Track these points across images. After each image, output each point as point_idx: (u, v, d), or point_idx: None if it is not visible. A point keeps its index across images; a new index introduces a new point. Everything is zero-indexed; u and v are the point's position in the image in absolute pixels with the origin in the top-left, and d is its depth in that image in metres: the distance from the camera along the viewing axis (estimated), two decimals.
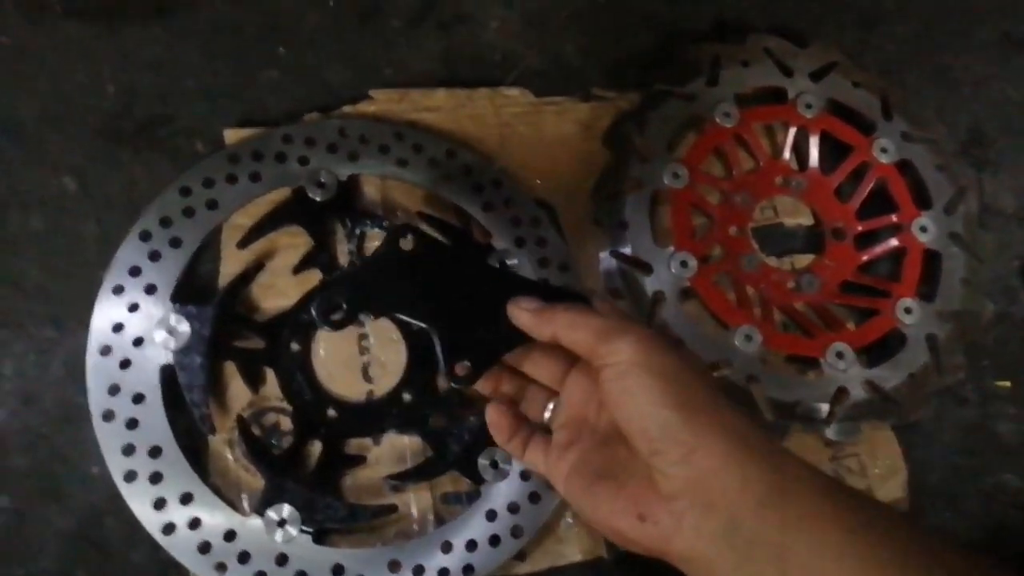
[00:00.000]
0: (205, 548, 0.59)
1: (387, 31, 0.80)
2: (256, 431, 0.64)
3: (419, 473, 0.65)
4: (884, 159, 0.79)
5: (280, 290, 0.68)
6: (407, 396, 0.67)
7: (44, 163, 0.70)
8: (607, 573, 0.66)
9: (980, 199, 0.81)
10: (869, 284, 0.77)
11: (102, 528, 0.62)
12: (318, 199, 0.68)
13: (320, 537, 0.61)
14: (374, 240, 0.71)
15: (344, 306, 0.54)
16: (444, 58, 0.80)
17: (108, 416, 0.60)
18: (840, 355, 0.72)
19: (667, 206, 0.75)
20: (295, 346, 0.67)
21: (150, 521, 0.59)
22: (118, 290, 0.64)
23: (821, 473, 0.46)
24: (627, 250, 0.73)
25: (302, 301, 0.68)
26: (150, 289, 0.64)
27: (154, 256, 0.65)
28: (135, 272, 0.64)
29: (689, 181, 0.75)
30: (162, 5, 0.76)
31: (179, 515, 0.59)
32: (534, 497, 0.64)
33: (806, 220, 0.80)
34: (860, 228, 0.78)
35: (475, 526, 0.63)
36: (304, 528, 0.60)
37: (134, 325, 0.63)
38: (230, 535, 0.59)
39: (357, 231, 0.70)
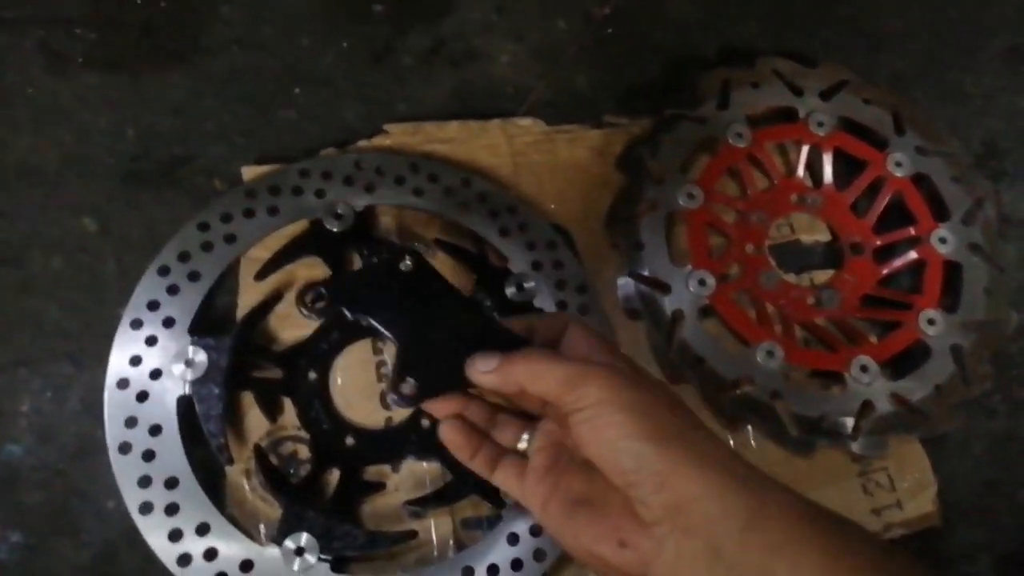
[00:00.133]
0: None
1: (400, 69, 0.82)
2: (274, 460, 0.64)
3: (439, 498, 0.63)
4: (899, 173, 0.79)
5: (297, 321, 0.68)
6: (425, 422, 0.66)
7: (65, 205, 0.71)
8: None
9: (998, 209, 0.80)
10: (890, 297, 0.76)
11: (117, 563, 0.61)
12: (335, 230, 0.69)
13: (339, 565, 0.60)
14: None
15: (325, 294, 0.54)
16: (456, 92, 0.82)
17: (125, 448, 0.60)
18: (864, 368, 0.70)
19: (683, 226, 0.75)
20: (312, 375, 0.67)
21: (166, 553, 0.58)
22: (136, 324, 0.64)
23: (803, 498, 0.46)
24: (644, 271, 0.72)
25: (319, 331, 0.68)
26: (168, 322, 0.64)
27: (172, 290, 0.65)
28: (153, 306, 0.64)
29: (704, 201, 0.75)
30: (180, 52, 0.78)
31: (195, 546, 0.58)
32: None
33: (823, 236, 0.79)
34: (878, 242, 0.78)
35: (497, 551, 0.61)
36: (322, 556, 0.59)
37: (152, 358, 0.63)
38: (247, 565, 0.58)
39: (374, 260, 0.70)
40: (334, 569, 0.59)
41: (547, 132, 0.79)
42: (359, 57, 0.82)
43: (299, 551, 0.59)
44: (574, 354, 0.51)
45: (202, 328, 0.65)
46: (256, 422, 0.65)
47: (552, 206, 0.76)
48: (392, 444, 0.66)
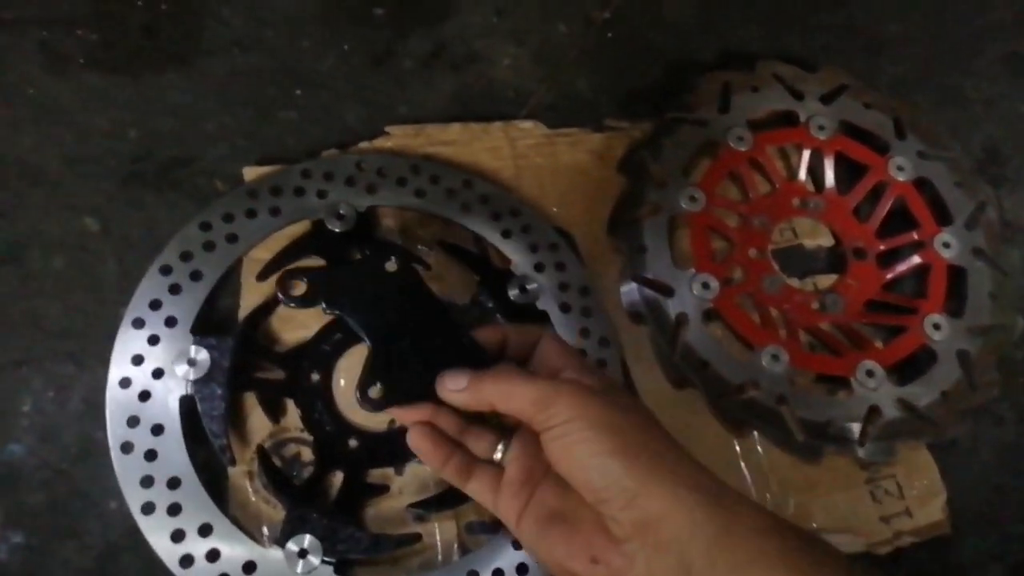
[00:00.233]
0: None
1: (400, 72, 0.82)
2: (277, 462, 0.63)
3: (443, 501, 0.63)
4: (901, 177, 0.79)
5: (300, 322, 0.68)
6: None
7: (66, 205, 0.71)
8: None
9: (1000, 214, 0.80)
10: (895, 302, 0.76)
11: (119, 564, 0.60)
12: (337, 230, 0.69)
13: (342, 568, 0.59)
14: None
15: (304, 282, 0.55)
16: (457, 96, 0.82)
17: (126, 448, 0.60)
18: (870, 373, 0.70)
19: (685, 230, 0.75)
20: (315, 376, 0.66)
21: (168, 553, 0.57)
22: (138, 323, 0.63)
23: (771, 514, 0.47)
24: (647, 274, 0.72)
25: (322, 332, 0.67)
26: (170, 322, 0.64)
27: (174, 289, 0.65)
28: (155, 305, 0.64)
29: (706, 205, 0.75)
30: (181, 53, 0.78)
31: (197, 547, 0.58)
32: None
33: (826, 241, 0.79)
34: (882, 247, 0.78)
35: (502, 555, 0.61)
36: (326, 559, 0.58)
37: (154, 357, 0.62)
38: (249, 567, 0.58)
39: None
40: (337, 572, 0.58)
41: (548, 135, 0.79)
42: (360, 60, 0.82)
43: (302, 553, 0.58)
44: (545, 369, 0.52)
45: (204, 328, 0.64)
46: (259, 423, 0.64)
47: (554, 209, 0.76)
48: (396, 447, 0.65)
